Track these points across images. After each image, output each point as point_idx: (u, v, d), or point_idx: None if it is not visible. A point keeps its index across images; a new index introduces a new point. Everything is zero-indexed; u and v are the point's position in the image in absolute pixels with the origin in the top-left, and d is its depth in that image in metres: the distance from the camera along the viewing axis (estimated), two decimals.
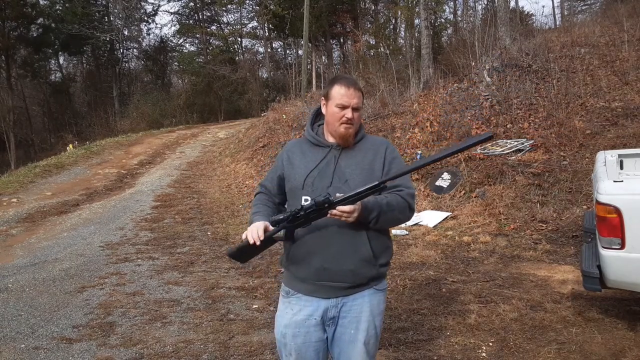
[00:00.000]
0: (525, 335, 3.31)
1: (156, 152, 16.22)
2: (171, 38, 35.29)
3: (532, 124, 8.11)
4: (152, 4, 43.58)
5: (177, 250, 6.02)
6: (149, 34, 46.58)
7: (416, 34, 19.95)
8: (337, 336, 1.84)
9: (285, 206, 2.00)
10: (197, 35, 33.50)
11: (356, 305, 1.82)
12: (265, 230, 1.76)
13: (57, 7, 29.19)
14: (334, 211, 1.65)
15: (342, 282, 1.80)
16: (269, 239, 1.77)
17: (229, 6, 33.06)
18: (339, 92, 1.82)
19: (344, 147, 1.88)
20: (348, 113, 1.81)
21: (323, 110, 1.92)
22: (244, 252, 1.85)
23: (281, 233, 1.78)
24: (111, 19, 31.72)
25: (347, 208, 1.64)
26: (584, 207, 5.67)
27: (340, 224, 1.74)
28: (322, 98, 1.91)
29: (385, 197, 1.77)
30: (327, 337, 1.86)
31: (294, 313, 1.86)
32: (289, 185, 1.92)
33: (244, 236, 1.79)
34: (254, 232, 1.75)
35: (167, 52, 34.50)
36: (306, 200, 1.80)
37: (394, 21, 28.16)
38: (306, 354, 1.85)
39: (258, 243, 1.74)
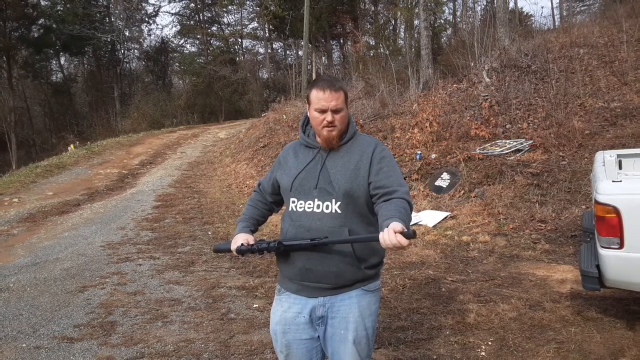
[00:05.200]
0: (524, 335, 3.32)
1: (157, 152, 16.24)
2: (172, 39, 35.53)
3: (531, 124, 8.13)
4: (153, 5, 43.95)
5: (178, 249, 6.04)
6: (149, 35, 46.65)
7: (416, 35, 19.95)
8: (328, 336, 1.85)
9: (283, 206, 2.02)
10: (198, 36, 33.61)
11: (344, 306, 1.82)
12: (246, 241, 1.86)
13: (58, 8, 29.28)
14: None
15: (324, 284, 1.81)
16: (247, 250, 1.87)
17: (230, 7, 33.17)
18: (316, 96, 1.80)
19: (331, 148, 1.88)
20: (328, 116, 1.80)
21: (308, 113, 1.92)
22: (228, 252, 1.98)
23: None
24: (112, 19, 31.81)
25: (403, 241, 1.52)
26: (583, 207, 5.69)
27: (323, 225, 1.78)
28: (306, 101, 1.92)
29: (397, 206, 1.70)
30: (319, 336, 1.87)
31: (284, 310, 1.89)
32: (281, 187, 1.95)
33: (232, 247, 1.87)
34: (233, 247, 1.86)
35: (168, 52, 34.59)
36: (293, 202, 1.86)
37: (393, 22, 28.24)
38: (297, 351, 1.88)
39: (237, 254, 1.87)
